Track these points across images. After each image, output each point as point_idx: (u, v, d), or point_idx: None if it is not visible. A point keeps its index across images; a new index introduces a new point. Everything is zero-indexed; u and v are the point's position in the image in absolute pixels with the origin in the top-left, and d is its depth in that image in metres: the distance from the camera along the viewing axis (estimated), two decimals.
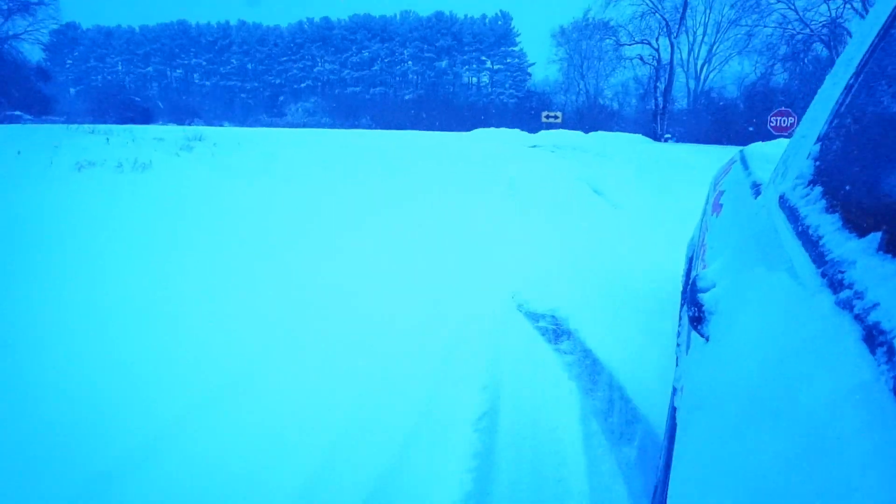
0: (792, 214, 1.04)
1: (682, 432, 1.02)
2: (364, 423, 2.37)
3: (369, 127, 38.33)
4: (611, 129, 34.61)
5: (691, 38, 41.53)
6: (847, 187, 0.89)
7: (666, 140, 32.63)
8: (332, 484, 1.98)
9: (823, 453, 0.53)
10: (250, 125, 37.34)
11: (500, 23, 61.49)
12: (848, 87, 1.10)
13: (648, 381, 2.77)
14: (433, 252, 5.17)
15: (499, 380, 2.84)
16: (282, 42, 64.77)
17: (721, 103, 38.10)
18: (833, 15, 32.59)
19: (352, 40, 63.54)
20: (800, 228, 0.95)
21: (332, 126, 37.24)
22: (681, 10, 34.03)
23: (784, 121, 16.21)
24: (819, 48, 34.35)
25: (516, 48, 59.93)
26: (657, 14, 34.53)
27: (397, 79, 62.35)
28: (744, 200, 1.75)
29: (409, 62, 61.92)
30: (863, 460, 0.49)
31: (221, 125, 36.62)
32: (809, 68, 34.82)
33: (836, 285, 0.69)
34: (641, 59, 38.98)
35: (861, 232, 0.76)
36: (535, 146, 24.10)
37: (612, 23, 38.64)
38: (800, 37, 34.32)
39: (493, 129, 31.03)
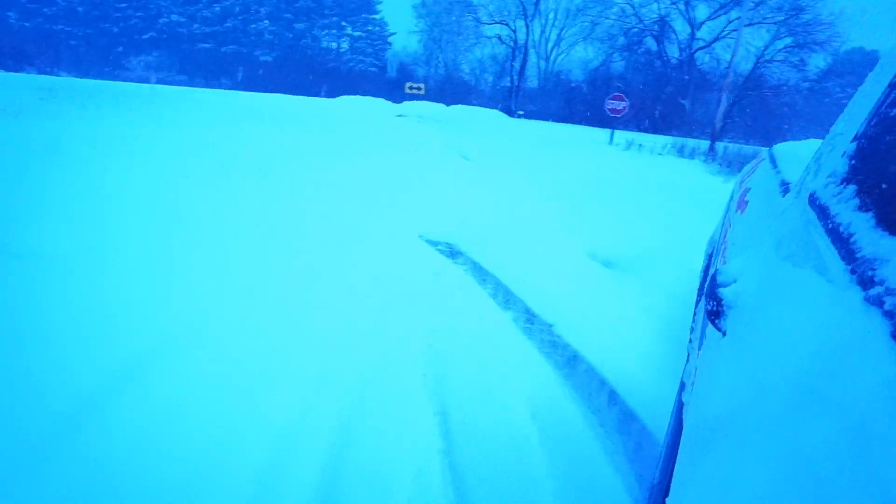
0: (822, 212, 1.04)
1: (692, 432, 1.04)
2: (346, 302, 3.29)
3: (229, 88, 36.60)
4: (469, 104, 36.53)
5: (544, 21, 44.59)
6: (883, 186, 0.89)
7: (519, 116, 35.22)
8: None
9: (857, 453, 0.52)
10: (90, 77, 33.99)
11: None
12: (891, 86, 1.10)
13: (521, 279, 3.99)
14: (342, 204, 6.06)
15: (423, 278, 3.88)
16: None
17: (570, 85, 41.70)
18: (662, 13, 37.12)
19: None
20: (830, 226, 0.95)
21: (189, 85, 35.05)
22: None
23: (618, 104, 18.69)
24: (650, 42, 38.89)
25: (377, 16, 59.80)
26: None
27: (252, 38, 59.42)
28: (771, 198, 1.79)
29: (266, 21, 59.27)
30: None
31: (58, 75, 33.08)
32: (642, 59, 39.33)
33: (866, 282, 0.70)
34: (500, 38, 41.39)
35: (894, 231, 0.77)
36: (401, 115, 25.12)
37: (473, 0, 40.53)
38: (635, 30, 38.57)
39: (358, 97, 31.46)
